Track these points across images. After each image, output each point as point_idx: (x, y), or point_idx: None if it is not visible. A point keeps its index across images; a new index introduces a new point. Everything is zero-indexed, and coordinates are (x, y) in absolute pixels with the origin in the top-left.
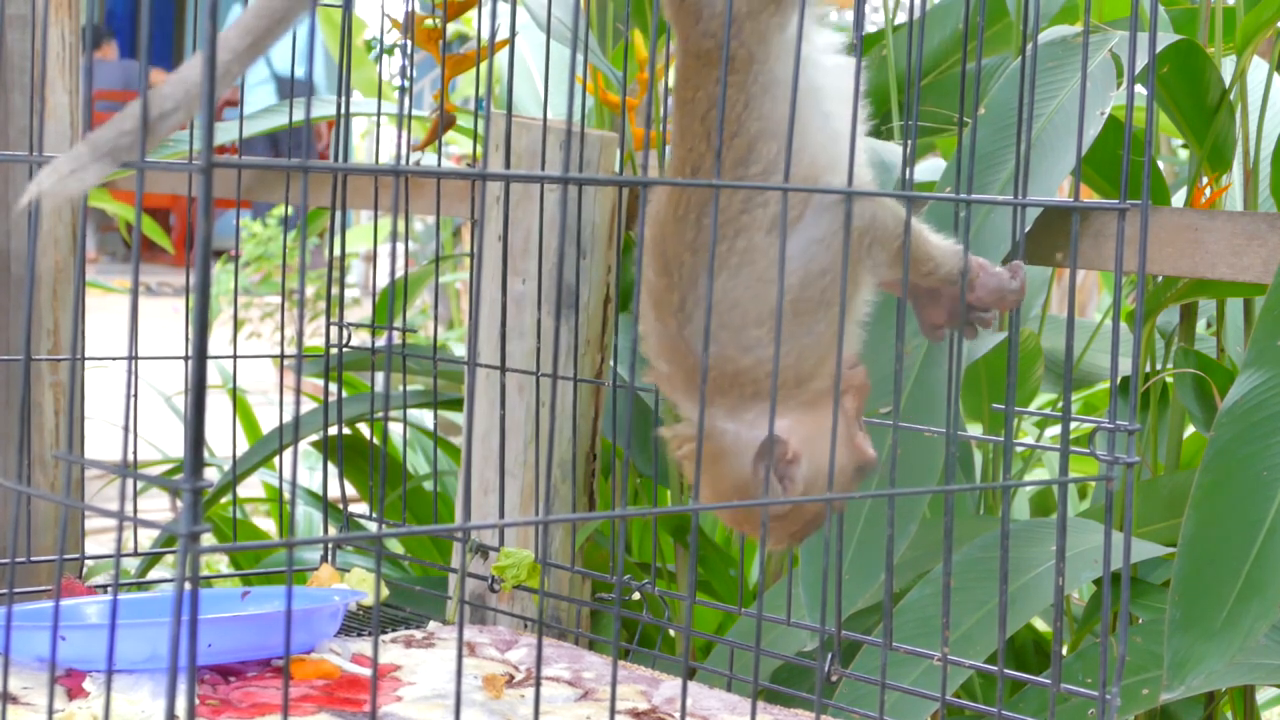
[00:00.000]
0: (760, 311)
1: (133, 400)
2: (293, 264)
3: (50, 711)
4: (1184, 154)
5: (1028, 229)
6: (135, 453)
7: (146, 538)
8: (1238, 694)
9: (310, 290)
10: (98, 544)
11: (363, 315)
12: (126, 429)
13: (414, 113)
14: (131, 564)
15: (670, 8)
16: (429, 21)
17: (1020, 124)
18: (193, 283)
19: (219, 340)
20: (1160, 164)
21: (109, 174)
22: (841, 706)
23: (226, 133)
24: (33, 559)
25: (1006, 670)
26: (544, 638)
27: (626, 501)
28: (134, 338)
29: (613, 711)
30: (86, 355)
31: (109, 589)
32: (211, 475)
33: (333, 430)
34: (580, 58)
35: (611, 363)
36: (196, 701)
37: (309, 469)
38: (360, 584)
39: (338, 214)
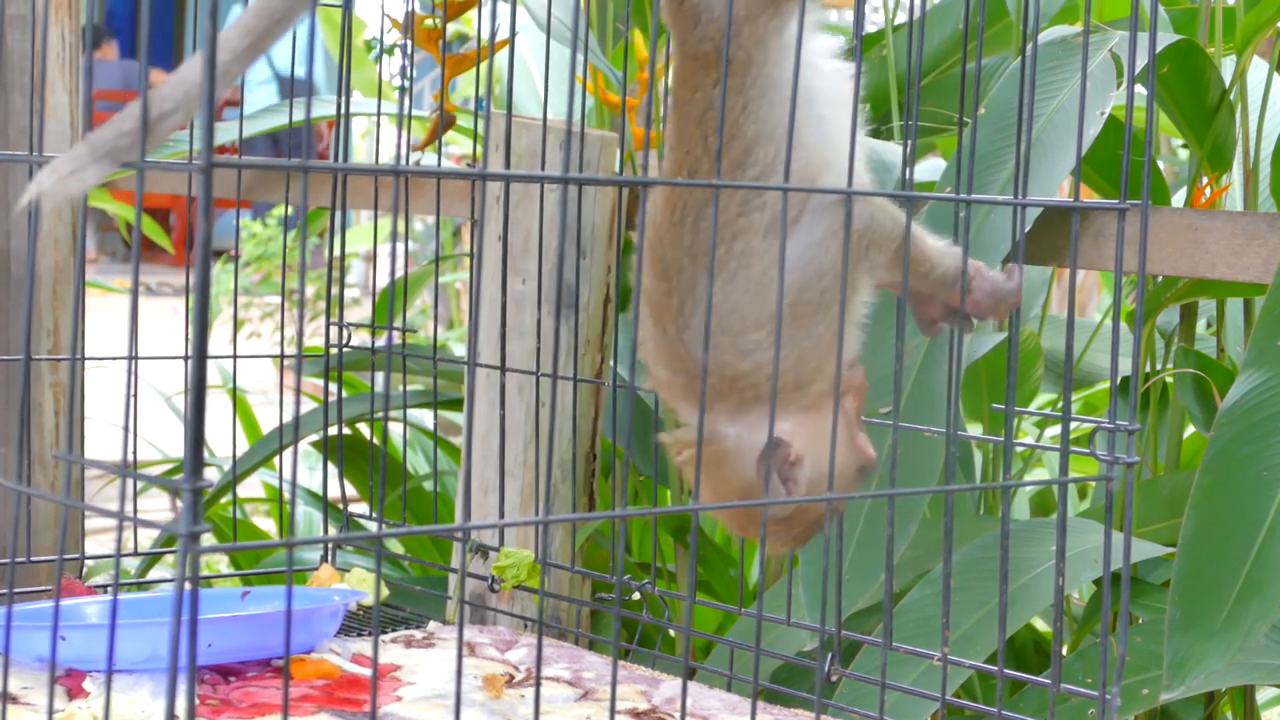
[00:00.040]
0: (759, 315)
1: (133, 400)
2: (293, 264)
3: (50, 711)
4: (1184, 154)
5: (1028, 229)
6: (135, 453)
7: (146, 538)
8: (1238, 694)
9: (310, 290)
10: (98, 544)
11: (363, 315)
12: (126, 429)
13: (414, 113)
14: (131, 564)
15: (669, 11)
16: (429, 21)
17: (1020, 124)
18: (193, 283)
19: (219, 340)
20: (1160, 164)
21: (109, 174)
22: (841, 706)
23: (227, 133)
24: (33, 559)
25: (1006, 670)
26: (544, 638)
27: (626, 501)
28: (134, 338)
29: (613, 711)
30: (86, 355)
31: (109, 589)
32: (211, 475)
33: (333, 430)
34: (580, 58)
35: (611, 363)
36: (196, 701)
37: (309, 469)
38: (360, 584)
39: (338, 214)
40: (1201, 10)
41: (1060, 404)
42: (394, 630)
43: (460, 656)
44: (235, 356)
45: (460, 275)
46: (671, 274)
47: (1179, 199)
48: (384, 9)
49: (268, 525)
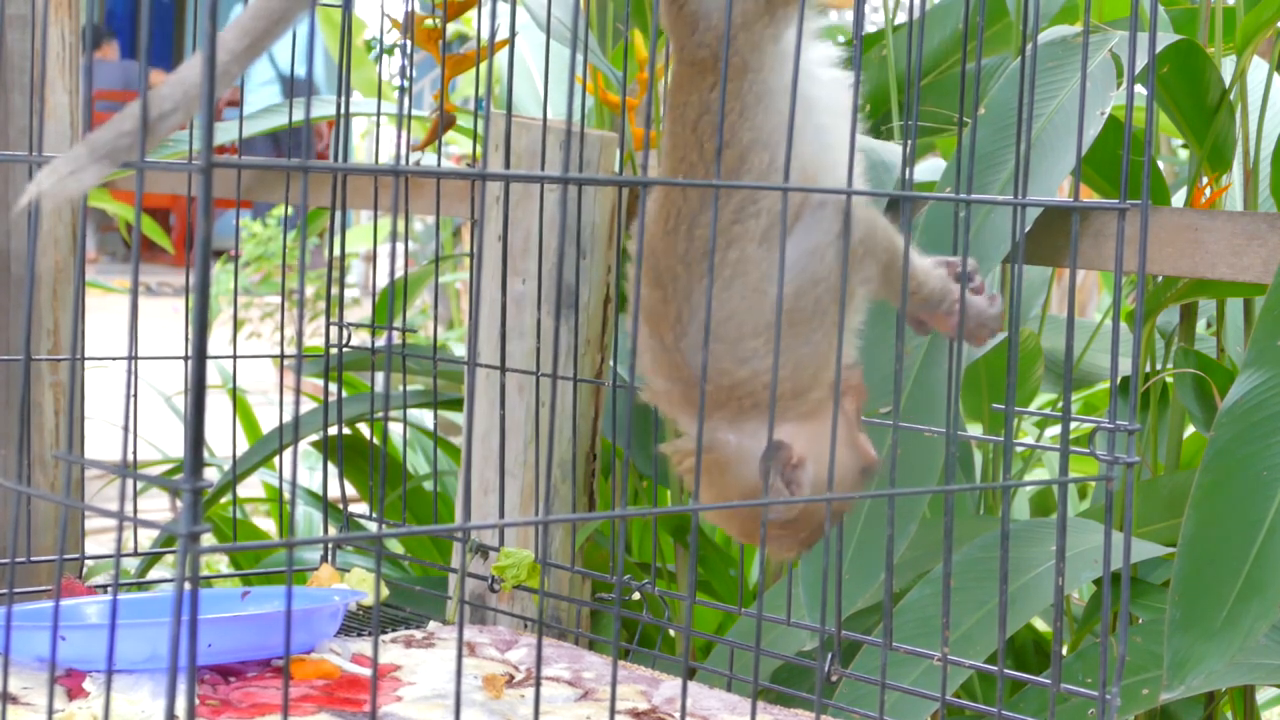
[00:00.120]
0: (756, 323)
1: (133, 400)
2: (293, 264)
3: (50, 711)
4: (1184, 154)
5: (1028, 229)
6: (135, 453)
7: (146, 538)
8: (1238, 694)
9: (310, 290)
10: (98, 544)
11: (363, 315)
12: (126, 429)
13: (414, 113)
14: (131, 564)
15: (667, 17)
16: (429, 21)
17: (1020, 124)
18: (193, 283)
19: (219, 340)
20: (1160, 164)
21: (108, 174)
22: (841, 706)
23: (226, 132)
24: (33, 559)
25: (1006, 670)
26: (544, 638)
27: (626, 501)
28: (134, 338)
29: (613, 711)
30: (86, 355)
31: (109, 589)
32: (211, 475)
33: (333, 430)
34: (580, 58)
35: (611, 363)
36: (196, 701)
37: (309, 469)
38: (360, 584)
39: (338, 214)
40: (1201, 10)
41: (1060, 404)
42: (394, 630)
43: (460, 656)
44: (235, 356)
45: (460, 275)
46: (666, 282)
47: (1179, 199)
48: (384, 9)
49: (268, 525)
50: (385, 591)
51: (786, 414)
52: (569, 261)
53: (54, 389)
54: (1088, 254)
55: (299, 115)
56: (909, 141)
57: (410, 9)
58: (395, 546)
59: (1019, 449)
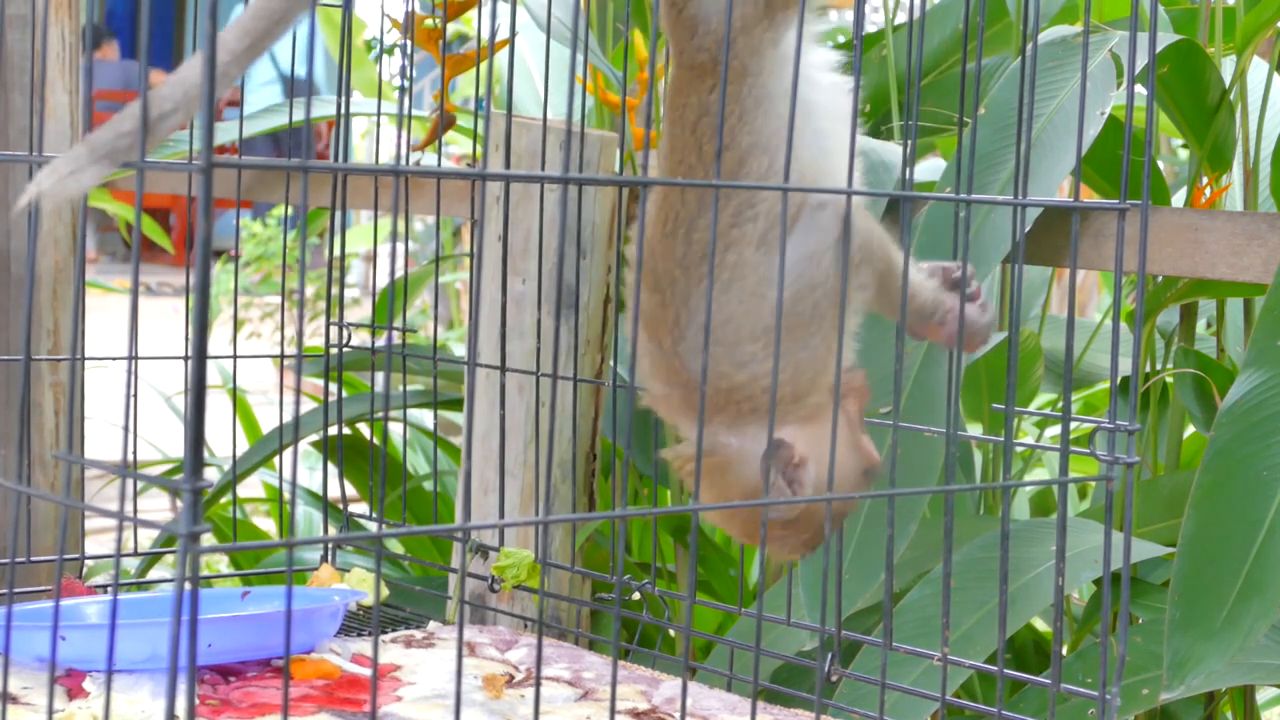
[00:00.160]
0: (754, 327)
1: (133, 400)
2: (293, 264)
3: (50, 711)
4: (1184, 154)
5: (1028, 229)
6: (135, 453)
7: (146, 538)
8: (1238, 694)
9: (310, 290)
10: (98, 544)
11: (363, 315)
12: (126, 429)
13: (414, 113)
14: (131, 564)
15: (667, 21)
16: (429, 21)
17: (1020, 124)
18: (193, 283)
19: (219, 340)
20: (1160, 164)
21: (108, 175)
22: (841, 706)
23: (227, 132)
24: (33, 559)
25: (1006, 670)
26: (544, 638)
27: (626, 501)
28: (134, 338)
29: (613, 711)
30: (86, 355)
31: (109, 589)
32: (211, 475)
33: (333, 430)
34: (580, 58)
35: (611, 363)
36: (196, 701)
37: (309, 469)
38: (360, 584)
39: (338, 214)
40: (1201, 10)
41: (1060, 404)
42: (394, 630)
43: (460, 656)
44: (235, 356)
45: (460, 275)
46: (664, 286)
47: (1179, 199)
48: (384, 9)
49: (268, 525)
50: (385, 591)
51: (787, 417)
52: (569, 261)
53: (54, 389)
54: (1088, 254)
55: (299, 115)
56: (909, 141)
57: (410, 9)
58: (395, 546)
59: (1019, 449)
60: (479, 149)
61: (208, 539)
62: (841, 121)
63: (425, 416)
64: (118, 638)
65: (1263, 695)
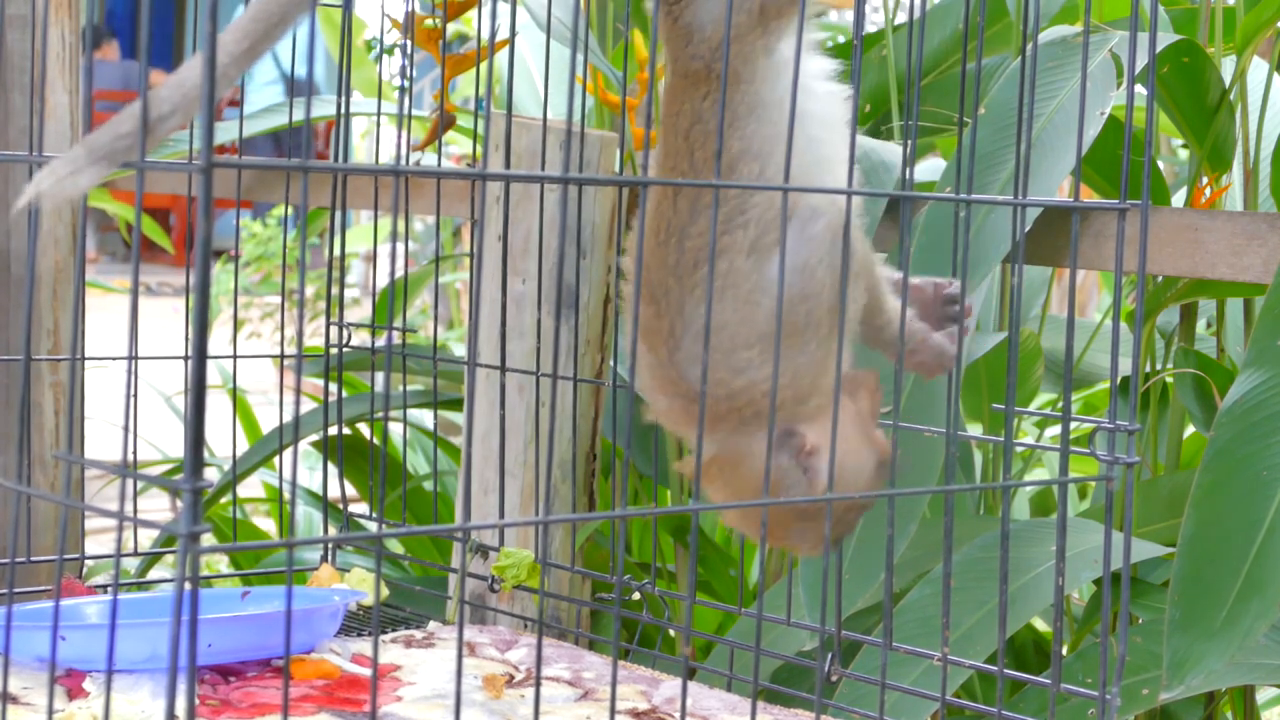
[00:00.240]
0: (749, 334)
1: (133, 400)
2: (293, 264)
3: (50, 711)
4: (1184, 154)
5: (1028, 229)
6: (135, 453)
7: (146, 538)
8: (1238, 694)
9: (310, 290)
10: (98, 544)
11: (363, 315)
12: (126, 429)
13: (414, 113)
14: (131, 564)
15: (664, 28)
16: (429, 21)
17: (1020, 124)
18: (193, 283)
19: (219, 340)
20: (1160, 164)
21: (107, 175)
22: (841, 706)
23: (227, 132)
24: (33, 559)
25: (1006, 670)
26: (544, 638)
27: (626, 501)
28: (134, 338)
29: (613, 711)
30: (86, 355)
31: (109, 589)
32: (211, 475)
33: (333, 430)
34: (580, 58)
35: (611, 363)
36: (196, 701)
37: (309, 469)
38: (360, 584)
39: (338, 214)
40: (1201, 10)
41: (1060, 404)
42: (394, 630)
43: (460, 656)
44: (235, 356)
45: (460, 275)
46: (659, 296)
47: (1179, 199)
48: (384, 9)
49: (268, 525)
50: (385, 591)
51: (792, 418)
52: (569, 261)
53: (54, 389)
54: (1088, 254)
55: (299, 115)
56: (909, 141)
57: (410, 9)
58: (395, 546)
59: (1019, 449)
60: (479, 149)
61: (208, 539)
62: (836, 130)
63: (425, 416)
64: (118, 638)
65: (1263, 695)
